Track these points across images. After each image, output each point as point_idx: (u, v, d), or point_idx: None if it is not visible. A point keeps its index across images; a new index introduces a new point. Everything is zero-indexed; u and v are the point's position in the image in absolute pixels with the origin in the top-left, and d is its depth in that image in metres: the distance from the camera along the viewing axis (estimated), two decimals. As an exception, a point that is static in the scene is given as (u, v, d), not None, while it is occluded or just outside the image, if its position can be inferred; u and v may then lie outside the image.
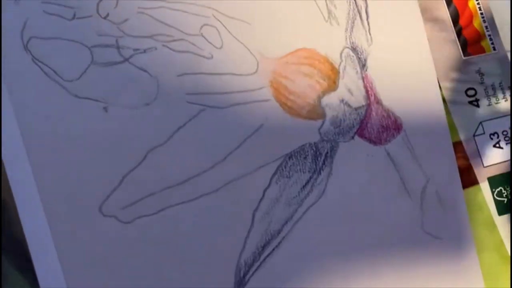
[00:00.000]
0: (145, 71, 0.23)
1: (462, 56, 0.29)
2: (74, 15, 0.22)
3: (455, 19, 0.29)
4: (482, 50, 0.29)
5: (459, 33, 0.29)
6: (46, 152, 0.21)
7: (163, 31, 0.23)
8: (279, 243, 0.23)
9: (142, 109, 0.22)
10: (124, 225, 0.22)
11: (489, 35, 0.29)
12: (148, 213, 0.22)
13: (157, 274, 0.22)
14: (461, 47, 0.29)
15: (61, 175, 0.21)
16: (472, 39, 0.29)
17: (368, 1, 0.26)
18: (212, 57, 0.23)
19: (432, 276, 0.25)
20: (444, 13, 0.28)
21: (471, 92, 0.28)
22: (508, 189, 0.28)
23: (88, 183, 0.22)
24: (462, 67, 0.28)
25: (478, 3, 0.29)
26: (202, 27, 0.24)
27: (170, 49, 0.23)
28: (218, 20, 0.24)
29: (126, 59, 0.23)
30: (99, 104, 0.22)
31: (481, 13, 0.29)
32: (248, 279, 0.23)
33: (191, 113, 0.23)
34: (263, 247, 0.23)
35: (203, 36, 0.23)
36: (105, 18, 0.22)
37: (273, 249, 0.23)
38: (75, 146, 0.22)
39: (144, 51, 0.23)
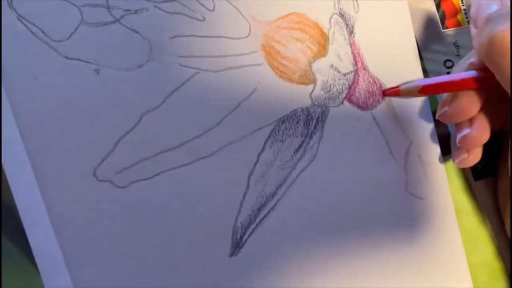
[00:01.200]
0: (136, 32, 0.22)
1: (441, 29, 0.30)
2: (61, -29, 0.21)
3: (435, -9, 0.30)
4: (458, 24, 0.30)
5: (438, 5, 0.30)
6: (35, 116, 0.20)
7: (154, -9, 0.22)
8: (274, 205, 0.24)
9: (134, 71, 0.22)
10: (120, 190, 0.21)
11: (464, 10, 0.30)
12: (144, 177, 0.22)
13: (153, 238, 0.22)
14: (440, 20, 0.30)
15: (52, 139, 0.21)
16: (449, 12, 0.30)
17: (354, -31, 0.27)
18: (204, 19, 0.23)
19: (415, 234, 0.27)
20: (424, -16, 0.29)
21: (449, 64, 0.30)
22: (482, 157, 0.30)
23: (81, 147, 0.21)
24: (440, 39, 0.30)
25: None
26: (194, -12, 0.23)
27: (162, 10, 0.22)
28: (210, -18, 0.23)
29: (117, 20, 0.22)
30: (90, 65, 0.21)
31: (458, -13, 0.31)
32: (245, 241, 0.23)
33: (185, 76, 0.23)
34: (259, 210, 0.23)
35: (194, -3, 0.23)
36: (93, -24, 0.22)
37: (268, 211, 0.23)
38: (67, 109, 0.21)
39: (135, 11, 0.22)
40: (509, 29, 0.21)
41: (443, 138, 0.28)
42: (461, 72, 0.24)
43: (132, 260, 0.21)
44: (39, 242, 0.20)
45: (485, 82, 0.24)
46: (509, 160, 0.24)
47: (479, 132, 0.25)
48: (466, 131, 0.25)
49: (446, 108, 0.25)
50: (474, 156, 0.26)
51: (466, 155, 0.26)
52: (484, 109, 0.25)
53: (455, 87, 0.24)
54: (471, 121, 0.25)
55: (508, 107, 0.23)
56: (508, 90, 0.22)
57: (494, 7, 0.23)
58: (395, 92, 0.26)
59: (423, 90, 0.25)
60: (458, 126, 0.26)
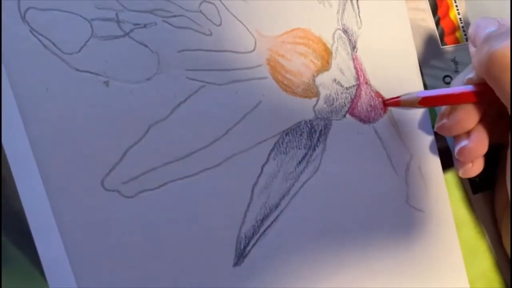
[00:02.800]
0: (145, 46, 0.23)
1: (440, 45, 0.30)
2: (73, -14, 0.22)
3: (434, 9, 0.30)
4: (457, 41, 0.31)
5: (437, 23, 0.30)
6: (45, 126, 0.21)
7: (162, 6, 0.23)
8: (277, 216, 0.24)
9: (143, 83, 0.22)
10: (127, 200, 0.22)
11: (463, 27, 0.31)
12: (151, 187, 0.22)
13: (159, 247, 0.22)
14: (439, 37, 0.30)
15: (61, 149, 0.21)
16: (448, 30, 0.31)
17: (357, -14, 0.27)
18: (211, 34, 0.24)
19: (415, 246, 0.27)
20: (425, 3, 0.30)
21: (448, 80, 0.30)
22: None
23: (89, 158, 0.21)
24: (439, 56, 0.30)
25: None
26: (201, 4, 0.24)
27: (170, 24, 0.23)
28: (217, -3, 0.24)
29: (127, 34, 0.22)
30: (99, 78, 0.22)
31: (456, 6, 0.31)
32: (249, 251, 0.23)
33: (192, 89, 0.23)
34: (262, 220, 0.24)
35: (202, 13, 0.24)
36: (104, -9, 0.22)
37: (272, 222, 0.24)
38: (76, 119, 0.21)
39: (144, 26, 0.23)
40: (508, 46, 0.22)
41: (443, 151, 0.29)
42: (460, 86, 0.25)
43: (137, 268, 0.22)
44: (47, 249, 0.21)
45: (483, 96, 0.24)
46: (508, 176, 0.25)
47: (476, 144, 0.25)
48: (463, 143, 0.26)
49: (444, 121, 0.26)
50: (477, 166, 0.27)
51: (470, 165, 0.26)
52: (482, 122, 0.26)
53: (454, 100, 0.25)
54: (468, 133, 0.26)
55: (507, 122, 0.24)
56: (508, 105, 0.22)
57: (492, 28, 0.23)
58: (396, 102, 0.27)
59: (423, 102, 0.25)
60: (456, 138, 0.26)
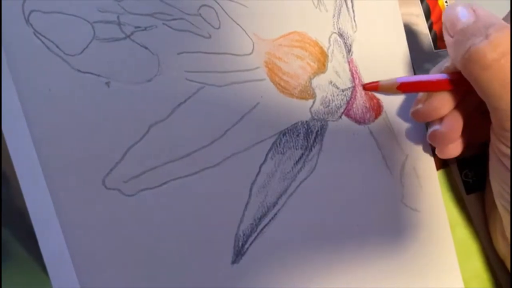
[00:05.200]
0: (146, 48, 0.23)
1: (433, 49, 0.31)
2: (75, -11, 0.22)
3: (427, 14, 0.31)
4: (449, 45, 0.31)
5: (430, 27, 0.31)
6: (48, 126, 0.21)
7: (163, 9, 0.24)
8: (275, 214, 0.24)
9: (143, 84, 0.23)
10: (127, 198, 0.22)
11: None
12: (151, 186, 0.22)
13: (158, 244, 0.22)
14: (432, 41, 0.31)
15: (63, 148, 0.21)
16: (441, 34, 0.31)
17: (352, -9, 0.28)
18: (210, 36, 0.24)
19: (410, 244, 0.27)
20: (418, 8, 0.31)
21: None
22: (472, 171, 0.31)
23: (91, 157, 0.22)
24: (433, 59, 0.31)
25: (446, 1, 0.32)
26: (200, 7, 0.24)
27: (170, 27, 0.24)
28: (216, 1, 0.25)
29: (128, 36, 0.23)
30: (101, 79, 0.22)
31: (449, 10, 0.32)
32: (247, 249, 0.24)
33: (191, 90, 0.24)
34: (260, 219, 0.24)
35: (201, 16, 0.24)
36: (106, -6, 0.23)
37: (269, 221, 0.24)
38: (78, 119, 0.22)
39: (145, 28, 0.23)
40: (487, 45, 0.22)
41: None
42: (437, 74, 0.26)
43: (137, 266, 0.22)
44: (49, 247, 0.21)
45: (458, 85, 0.25)
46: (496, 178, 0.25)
47: (447, 129, 0.26)
48: (435, 127, 0.27)
49: (419, 106, 0.26)
50: (454, 149, 0.27)
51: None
52: (456, 110, 0.26)
53: (430, 87, 0.26)
54: (441, 119, 0.27)
55: (489, 119, 0.24)
56: (486, 99, 0.23)
57: (468, 18, 0.24)
58: (374, 86, 0.27)
59: (401, 87, 0.26)
60: (430, 123, 0.27)
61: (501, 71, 0.22)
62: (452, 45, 0.24)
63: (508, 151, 0.24)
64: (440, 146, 0.27)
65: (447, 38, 0.25)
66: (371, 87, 0.27)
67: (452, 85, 0.25)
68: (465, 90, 0.25)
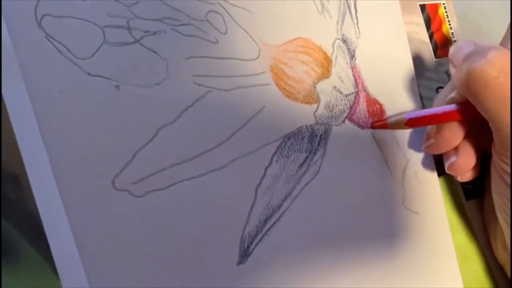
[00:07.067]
0: (155, 52, 0.24)
1: (434, 58, 0.32)
2: (87, -5, 0.23)
3: (428, 24, 0.32)
4: (449, 54, 0.32)
5: (431, 36, 0.32)
6: (59, 128, 0.22)
7: (171, 15, 0.24)
8: (280, 216, 0.25)
9: (152, 88, 0.23)
10: (136, 199, 0.22)
11: (455, 40, 0.33)
12: (159, 187, 0.23)
13: (166, 245, 0.23)
14: (433, 49, 0.32)
15: (74, 150, 0.22)
16: (441, 42, 0.32)
17: (356, -2, 0.29)
18: (217, 42, 0.25)
19: (411, 246, 0.28)
20: (419, 17, 0.31)
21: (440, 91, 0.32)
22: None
23: (101, 159, 0.22)
24: (433, 68, 0.32)
25: (445, 11, 0.33)
26: (208, 13, 0.25)
27: (179, 32, 0.24)
28: (223, 7, 0.25)
29: (137, 40, 0.23)
30: (111, 82, 0.23)
31: (448, 20, 0.33)
32: (252, 250, 0.24)
33: (199, 94, 0.24)
34: (265, 220, 0.25)
35: (209, 21, 0.25)
36: (116, 0, 0.23)
37: (274, 222, 0.25)
38: (88, 121, 0.22)
39: (154, 33, 0.24)
40: (486, 63, 0.22)
41: (438, 157, 0.30)
42: (444, 106, 0.26)
43: (145, 266, 0.22)
44: (59, 247, 0.21)
45: (466, 114, 0.25)
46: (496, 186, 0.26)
47: (464, 159, 0.27)
48: (452, 159, 0.27)
49: (432, 140, 0.27)
50: (469, 173, 0.28)
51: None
52: (467, 137, 0.27)
53: (439, 120, 0.26)
54: (456, 149, 0.27)
55: (489, 134, 0.25)
56: (488, 119, 0.24)
57: (470, 49, 0.24)
58: (383, 125, 0.28)
59: (409, 123, 0.27)
60: (445, 155, 0.27)
61: (501, 89, 0.22)
62: (456, 73, 0.24)
63: (506, 167, 0.24)
64: (459, 175, 0.28)
65: (452, 70, 0.25)
66: (379, 126, 0.28)
67: (460, 115, 0.25)
68: (472, 116, 0.25)
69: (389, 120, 0.27)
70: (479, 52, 0.24)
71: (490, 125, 0.24)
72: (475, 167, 0.28)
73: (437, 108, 0.26)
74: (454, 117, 0.25)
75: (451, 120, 0.26)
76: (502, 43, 0.26)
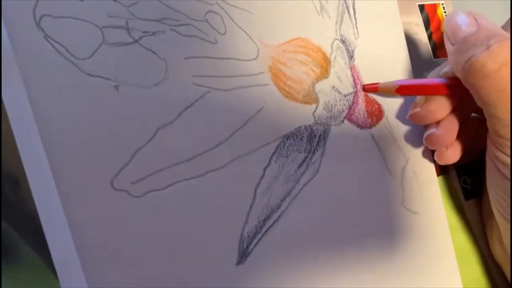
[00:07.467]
0: (154, 52, 0.24)
1: (433, 58, 0.32)
2: (86, -5, 0.23)
3: (426, 24, 0.32)
4: (448, 54, 0.32)
5: (430, 37, 0.32)
6: (58, 128, 0.22)
7: (170, 15, 0.24)
8: (279, 217, 0.25)
9: (151, 88, 0.23)
10: (135, 199, 0.22)
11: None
12: (158, 187, 0.23)
13: (164, 245, 0.23)
14: (431, 50, 0.32)
15: (73, 150, 0.22)
16: (440, 43, 0.32)
17: (354, -1, 0.29)
18: (216, 42, 0.25)
19: (410, 246, 0.28)
20: (418, 17, 0.31)
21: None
22: (470, 178, 0.31)
23: (99, 159, 0.22)
24: (432, 68, 0.32)
25: (444, 12, 0.33)
26: (207, 13, 0.25)
27: (178, 33, 0.24)
28: (222, 7, 0.25)
29: (136, 41, 0.23)
30: (110, 82, 0.23)
31: (447, 21, 0.33)
32: (251, 250, 0.24)
33: (198, 94, 0.24)
34: (264, 220, 0.25)
35: (207, 22, 0.25)
36: (115, 0, 0.23)
37: (273, 222, 0.25)
38: (87, 122, 0.22)
39: (153, 33, 0.24)
40: (488, 57, 0.22)
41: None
42: (435, 79, 0.27)
43: (144, 266, 0.22)
44: (58, 248, 0.21)
45: (456, 91, 0.26)
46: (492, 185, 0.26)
47: (442, 132, 0.27)
48: (431, 131, 0.27)
49: (417, 109, 0.27)
50: (452, 155, 0.28)
51: (444, 149, 0.28)
52: (452, 114, 0.27)
53: (428, 91, 0.27)
54: (438, 123, 0.27)
55: (486, 127, 0.25)
56: (484, 106, 0.24)
57: (470, 28, 0.24)
58: (374, 88, 0.28)
59: (400, 90, 0.27)
60: (426, 127, 0.28)
61: (500, 80, 0.22)
62: (453, 53, 0.24)
63: (503, 156, 0.24)
64: (436, 149, 0.28)
65: (448, 46, 0.25)
66: (371, 89, 0.28)
67: (449, 90, 0.26)
68: (462, 95, 0.26)
69: (380, 84, 0.28)
70: (481, 39, 0.23)
71: (485, 112, 0.24)
72: (456, 150, 0.28)
73: (428, 80, 0.27)
74: (442, 91, 0.26)
75: (439, 94, 0.26)
76: (504, 27, 0.26)
